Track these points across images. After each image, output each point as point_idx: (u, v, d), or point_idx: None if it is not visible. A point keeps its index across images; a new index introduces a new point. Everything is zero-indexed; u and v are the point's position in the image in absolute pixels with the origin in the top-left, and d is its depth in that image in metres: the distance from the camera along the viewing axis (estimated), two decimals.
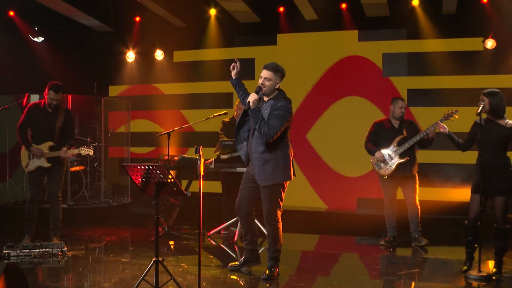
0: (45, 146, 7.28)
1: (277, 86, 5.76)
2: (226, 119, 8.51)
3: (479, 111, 5.87)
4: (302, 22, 10.57)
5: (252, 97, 5.58)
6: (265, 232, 6.16)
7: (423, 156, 9.08)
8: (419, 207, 7.60)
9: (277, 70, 5.73)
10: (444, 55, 9.75)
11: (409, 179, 7.57)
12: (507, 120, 5.99)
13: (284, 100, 5.73)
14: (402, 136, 7.45)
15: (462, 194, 9.15)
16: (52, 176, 7.39)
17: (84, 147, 7.45)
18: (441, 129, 6.45)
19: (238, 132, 5.98)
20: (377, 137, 7.69)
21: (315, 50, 10.58)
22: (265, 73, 5.71)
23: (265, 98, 5.80)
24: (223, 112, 8.04)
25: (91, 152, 7.51)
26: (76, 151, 7.44)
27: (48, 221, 7.49)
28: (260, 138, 5.62)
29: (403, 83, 10.00)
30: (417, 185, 7.62)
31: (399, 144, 7.44)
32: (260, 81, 5.72)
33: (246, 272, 6.01)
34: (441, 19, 9.74)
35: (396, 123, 7.60)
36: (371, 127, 7.85)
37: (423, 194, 8.02)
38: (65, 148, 7.27)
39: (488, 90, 6.02)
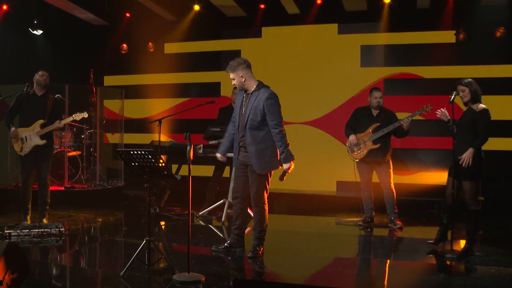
0: (36, 125, 7.11)
1: (244, 80, 5.63)
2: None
3: (451, 98, 5.85)
4: (285, 16, 10.55)
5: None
6: (252, 214, 6.12)
7: (401, 141, 9.05)
8: (394, 190, 7.52)
9: (235, 67, 5.61)
10: (419, 47, 9.77)
11: (383, 165, 7.50)
12: (479, 104, 5.92)
13: (266, 88, 5.67)
14: (377, 124, 7.42)
15: (435, 177, 9.22)
16: (41, 161, 7.22)
17: (76, 113, 7.40)
18: (439, 115, 6.21)
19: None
20: (356, 123, 7.65)
21: (297, 42, 10.55)
22: (230, 76, 5.66)
23: (249, 91, 5.71)
24: (211, 100, 7.99)
25: (85, 115, 7.43)
26: (70, 118, 7.35)
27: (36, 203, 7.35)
28: (255, 131, 5.58)
29: (380, 74, 10.00)
30: (391, 170, 7.54)
31: (374, 131, 7.41)
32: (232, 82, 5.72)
33: (232, 251, 5.97)
34: (415, 13, 9.78)
35: (375, 112, 7.56)
36: (353, 112, 7.82)
37: (400, 178, 7.99)
38: (58, 120, 7.17)
39: (465, 80, 5.95)
